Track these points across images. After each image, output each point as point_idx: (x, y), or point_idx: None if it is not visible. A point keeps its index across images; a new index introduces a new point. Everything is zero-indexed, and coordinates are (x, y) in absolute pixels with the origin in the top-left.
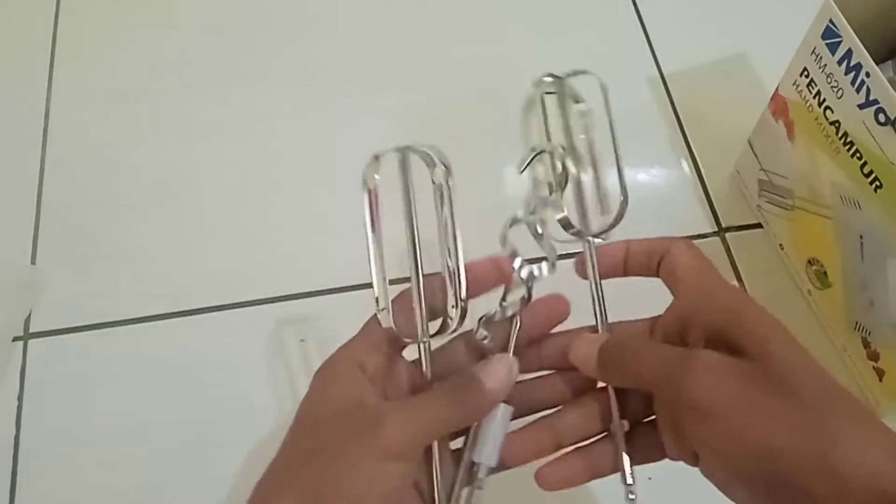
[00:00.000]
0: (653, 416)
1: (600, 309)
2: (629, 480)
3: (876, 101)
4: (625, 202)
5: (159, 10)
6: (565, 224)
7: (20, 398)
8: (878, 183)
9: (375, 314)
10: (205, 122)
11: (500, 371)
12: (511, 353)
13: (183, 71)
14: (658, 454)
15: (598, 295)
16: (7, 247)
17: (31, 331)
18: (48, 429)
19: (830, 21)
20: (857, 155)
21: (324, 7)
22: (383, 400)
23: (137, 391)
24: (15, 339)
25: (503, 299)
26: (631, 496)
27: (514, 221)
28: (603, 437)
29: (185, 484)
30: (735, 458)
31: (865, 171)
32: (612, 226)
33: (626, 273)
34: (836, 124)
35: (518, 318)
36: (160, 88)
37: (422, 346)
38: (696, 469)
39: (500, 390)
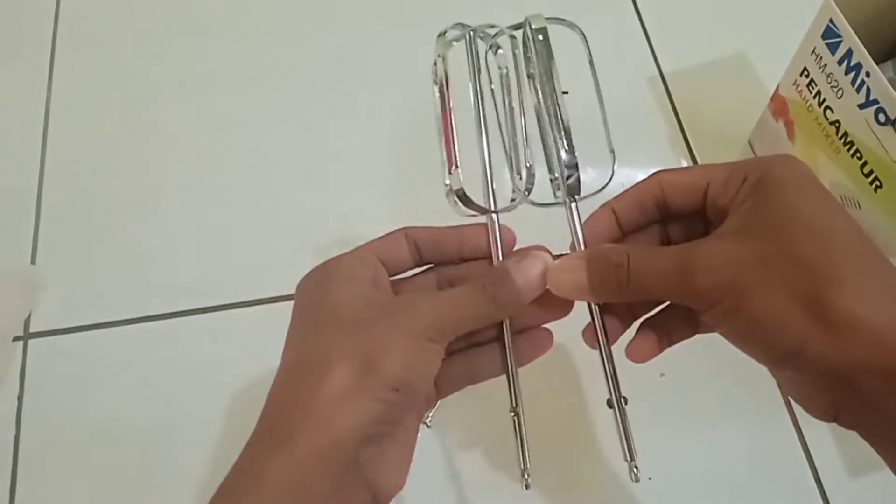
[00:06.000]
0: None
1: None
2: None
3: (876, 101)
4: (613, 157)
5: (159, 10)
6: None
7: (20, 398)
8: (878, 183)
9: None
10: (205, 122)
11: (533, 269)
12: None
13: (183, 71)
14: (691, 331)
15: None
16: (7, 247)
17: (31, 331)
18: (48, 429)
19: (830, 21)
20: (857, 155)
21: (323, 6)
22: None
23: (137, 391)
24: (15, 339)
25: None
26: (635, 470)
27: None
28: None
29: (187, 483)
30: (750, 336)
31: (865, 170)
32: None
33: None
34: (836, 124)
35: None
36: (160, 88)
37: (492, 216)
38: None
39: (531, 289)
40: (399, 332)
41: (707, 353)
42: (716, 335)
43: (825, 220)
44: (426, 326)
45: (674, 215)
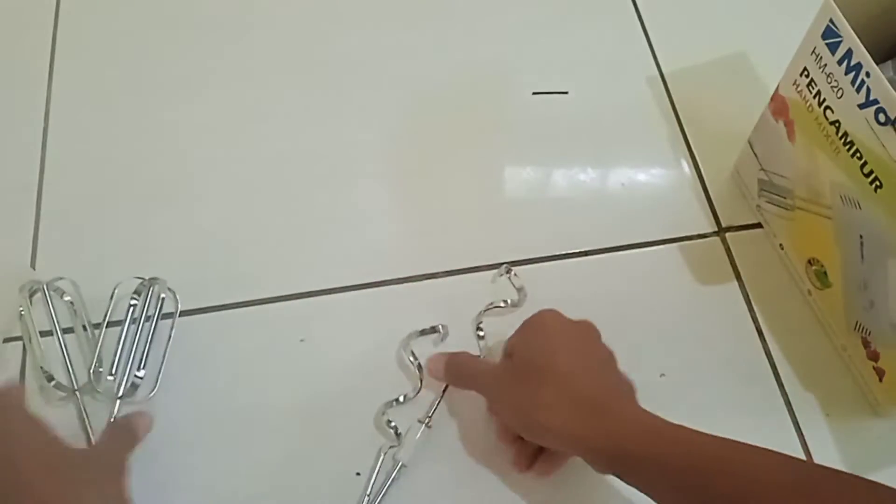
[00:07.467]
0: None
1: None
2: None
3: (876, 101)
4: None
5: (159, 9)
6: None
7: None
8: (878, 183)
9: None
10: (205, 121)
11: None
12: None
13: (182, 70)
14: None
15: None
16: (7, 247)
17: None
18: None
19: (830, 21)
20: (857, 155)
21: (324, 6)
22: None
23: None
24: (14, 339)
25: None
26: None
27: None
28: None
29: (182, 484)
30: (508, 419)
31: (865, 170)
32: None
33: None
34: (836, 124)
35: None
36: (160, 88)
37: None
38: None
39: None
40: None
41: (707, 353)
42: (715, 335)
43: (539, 361)
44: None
45: None
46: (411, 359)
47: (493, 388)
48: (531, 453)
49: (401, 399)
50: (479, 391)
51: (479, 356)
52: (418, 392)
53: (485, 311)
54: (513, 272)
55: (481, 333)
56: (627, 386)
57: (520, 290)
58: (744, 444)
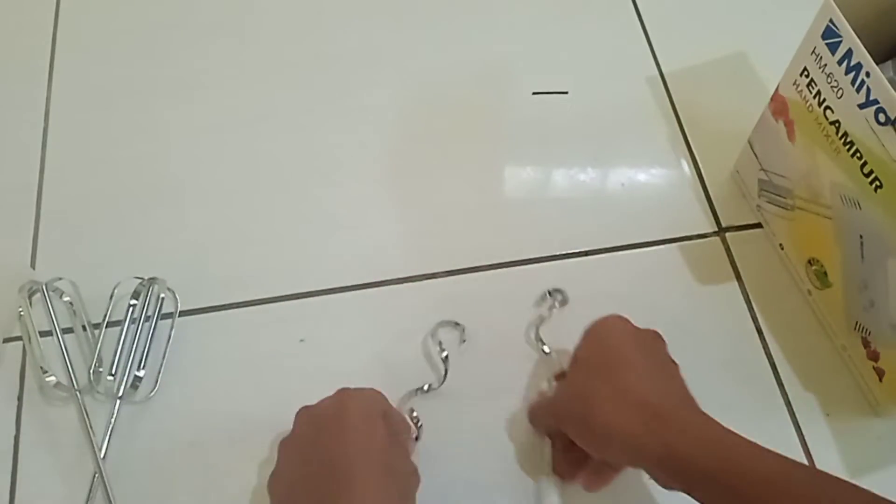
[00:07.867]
0: None
1: None
2: None
3: (876, 101)
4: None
5: (158, 9)
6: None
7: (20, 398)
8: (878, 183)
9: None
10: (204, 122)
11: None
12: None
13: (181, 70)
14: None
15: None
16: (7, 247)
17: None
18: (48, 429)
19: (830, 21)
20: (857, 155)
21: (324, 6)
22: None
23: None
24: (14, 339)
25: None
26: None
27: None
28: None
29: (182, 484)
30: (568, 425)
31: (865, 170)
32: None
33: None
34: (836, 124)
35: None
36: (160, 88)
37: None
38: None
39: None
40: None
41: (707, 353)
42: (715, 336)
43: (602, 365)
44: None
45: None
46: (439, 348)
47: (557, 402)
48: (576, 460)
49: (398, 400)
50: (554, 415)
51: (559, 372)
52: (417, 391)
53: (540, 324)
54: (557, 296)
55: (546, 350)
56: (691, 399)
57: (558, 290)
58: (816, 470)
